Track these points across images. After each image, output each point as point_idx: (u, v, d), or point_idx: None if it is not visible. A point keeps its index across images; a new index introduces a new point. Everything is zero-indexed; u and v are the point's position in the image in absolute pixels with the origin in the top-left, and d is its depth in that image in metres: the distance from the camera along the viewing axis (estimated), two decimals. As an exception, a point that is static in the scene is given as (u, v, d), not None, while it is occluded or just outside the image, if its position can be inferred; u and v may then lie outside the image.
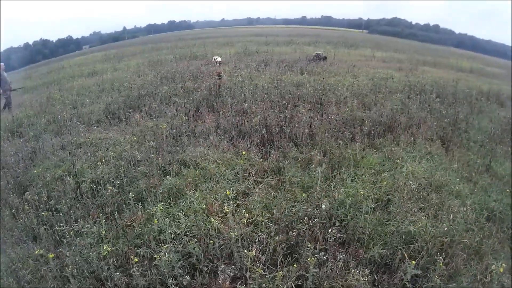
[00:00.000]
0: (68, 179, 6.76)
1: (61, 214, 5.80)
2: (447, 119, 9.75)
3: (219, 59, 17.72)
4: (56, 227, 5.47)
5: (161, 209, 5.36)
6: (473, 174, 7.36)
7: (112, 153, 7.64)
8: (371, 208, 5.59)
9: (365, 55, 24.03)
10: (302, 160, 7.25)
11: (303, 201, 5.96)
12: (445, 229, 5.18)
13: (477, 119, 10.86)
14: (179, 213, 5.58)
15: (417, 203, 5.98)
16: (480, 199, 6.51)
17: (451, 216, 5.48)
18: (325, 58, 19.22)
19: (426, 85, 13.67)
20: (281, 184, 6.46)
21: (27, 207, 6.08)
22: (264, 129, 8.20)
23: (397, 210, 5.70)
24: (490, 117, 11.29)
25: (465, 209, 5.65)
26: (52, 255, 4.75)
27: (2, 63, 14.64)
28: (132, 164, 7.31)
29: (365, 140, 8.25)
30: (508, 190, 6.87)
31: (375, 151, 7.84)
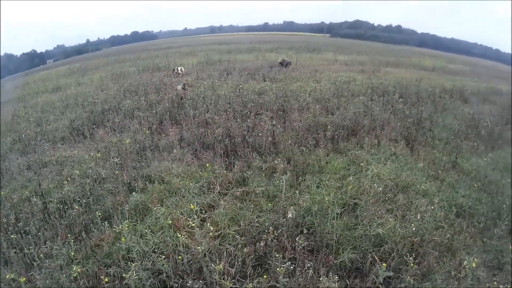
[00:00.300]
0: (35, 199, 6.61)
1: (30, 237, 5.66)
2: (411, 119, 9.89)
3: (181, 69, 17.66)
4: (26, 250, 5.32)
5: (127, 227, 5.27)
6: (440, 171, 7.52)
7: (77, 171, 7.48)
8: (337, 213, 5.66)
9: (328, 59, 24.27)
10: (266, 169, 7.26)
11: (269, 210, 5.96)
12: (414, 229, 5.29)
13: (441, 117, 11.08)
14: (146, 230, 5.49)
15: (384, 205, 6.05)
16: (448, 196, 6.67)
17: (419, 216, 5.59)
18: (289, 63, 19.37)
19: (389, 86, 13.84)
20: (246, 195, 6.46)
21: (-4, 230, 5.79)
22: (227, 139, 8.18)
23: (364, 214, 5.77)
24: (454, 114, 11.51)
25: (433, 207, 5.84)
26: (24, 279, 4.68)
27: None
28: (97, 181, 7.15)
29: (328, 145, 8.31)
30: (475, 185, 7.05)
31: (340, 156, 7.91)
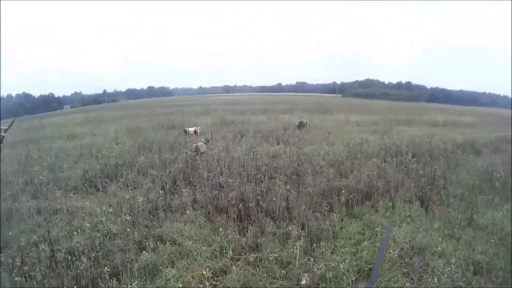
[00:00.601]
0: (43, 246, 6.79)
1: (35, 282, 5.81)
2: (425, 179, 9.98)
3: (193, 129, 18.34)
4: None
5: (137, 286, 5.45)
6: (455, 230, 7.49)
7: (88, 224, 7.69)
8: (352, 280, 5.70)
9: (340, 120, 24.95)
10: (280, 235, 7.33)
11: (282, 277, 6.01)
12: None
13: (454, 173, 11.20)
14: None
15: (400, 269, 6.07)
16: (465, 254, 6.63)
17: (435, 279, 5.61)
18: (305, 125, 20.18)
19: (402, 146, 14.17)
20: (259, 261, 6.48)
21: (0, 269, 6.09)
22: (241, 204, 8.30)
23: (380, 279, 5.77)
24: (468, 169, 11.71)
25: (449, 268, 5.81)
26: None
27: None
28: (108, 236, 7.33)
29: (343, 210, 8.41)
30: (492, 239, 7.04)
31: (354, 220, 7.98)
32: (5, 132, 14.61)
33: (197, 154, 12.87)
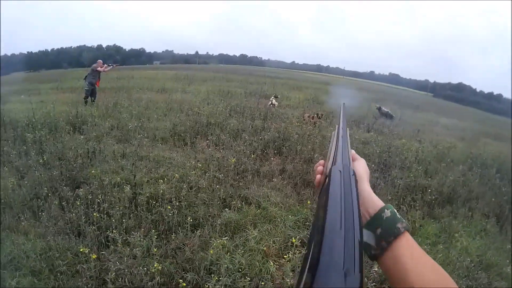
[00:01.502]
0: (127, 188, 7.11)
1: (113, 220, 6.12)
2: (506, 197, 9.65)
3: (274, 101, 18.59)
4: (107, 231, 5.79)
5: (223, 242, 5.56)
6: None
7: (177, 175, 7.99)
8: None
9: (430, 119, 24.61)
10: None
11: None
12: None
13: None
14: (235, 249, 5.75)
15: (466, 281, 5.94)
16: None
17: None
18: (391, 116, 20.17)
19: (488, 159, 13.64)
20: None
21: (78, 203, 6.48)
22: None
23: None
24: None
25: None
26: (95, 256, 5.10)
27: (100, 60, 17.01)
28: (193, 189, 7.60)
29: (425, 209, 8.30)
30: None
31: (433, 221, 7.86)
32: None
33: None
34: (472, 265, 6.34)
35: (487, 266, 6.51)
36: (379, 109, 20.70)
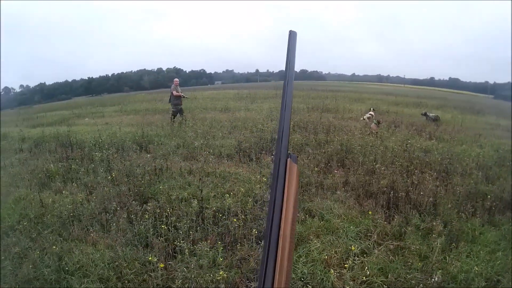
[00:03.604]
0: (194, 202, 7.48)
1: (180, 232, 6.48)
2: None
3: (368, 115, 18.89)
4: (175, 242, 6.18)
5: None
6: None
7: (242, 189, 8.32)
8: (481, 286, 5.59)
9: (491, 123, 23.55)
10: (423, 228, 7.30)
11: (418, 269, 6.00)
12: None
13: None
14: (298, 259, 5.91)
15: None
16: None
17: None
18: (436, 119, 20.09)
19: None
20: (399, 249, 6.56)
21: (146, 217, 6.93)
22: (391, 192, 8.38)
23: None
24: None
25: None
26: (162, 265, 5.50)
27: (176, 79, 18.31)
28: (258, 203, 7.83)
29: (485, 216, 8.07)
30: None
31: (493, 229, 7.65)
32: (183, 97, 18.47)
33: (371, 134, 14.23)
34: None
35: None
36: (425, 115, 20.62)
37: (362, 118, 18.51)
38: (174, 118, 17.62)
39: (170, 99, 18.12)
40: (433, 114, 20.56)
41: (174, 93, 17.64)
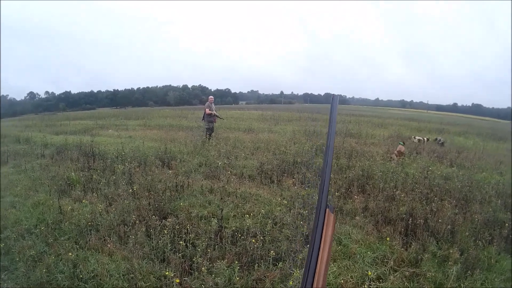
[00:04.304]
0: (214, 221, 7.55)
1: (198, 249, 6.53)
2: None
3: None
4: (193, 259, 6.24)
5: (298, 272, 5.77)
6: None
7: (262, 210, 8.38)
8: None
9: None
10: (439, 256, 7.27)
11: None
12: None
13: None
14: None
15: None
16: None
17: None
18: (442, 144, 20.97)
19: None
20: (415, 276, 6.53)
21: (165, 232, 6.99)
22: (410, 219, 8.34)
23: None
24: None
25: None
26: (178, 280, 5.57)
27: (211, 97, 18.54)
28: (277, 225, 7.88)
29: (502, 244, 7.97)
30: None
31: (509, 257, 7.54)
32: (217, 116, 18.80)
33: (399, 156, 14.77)
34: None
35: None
36: (438, 140, 21.33)
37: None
38: (209, 136, 17.79)
39: (203, 117, 18.34)
40: (443, 139, 21.45)
41: (207, 111, 17.84)
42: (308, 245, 1.15)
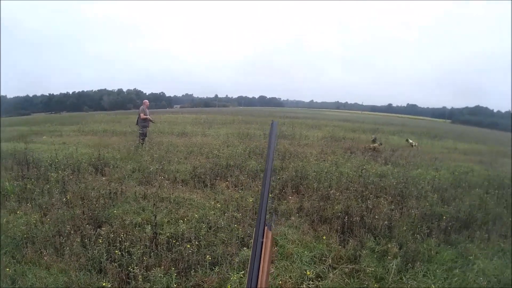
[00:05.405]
0: (148, 228, 7.51)
1: (134, 258, 6.43)
2: None
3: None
4: (129, 268, 6.10)
5: (240, 276, 5.81)
6: None
7: (196, 215, 8.37)
8: None
9: (448, 147, 25.49)
10: (378, 251, 7.49)
11: None
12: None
13: None
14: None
15: None
16: None
17: None
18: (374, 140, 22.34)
19: (505, 179, 13.82)
20: (355, 272, 6.67)
21: (100, 241, 6.85)
22: (346, 217, 8.56)
23: None
24: None
25: None
26: None
27: (146, 101, 18.26)
28: (212, 229, 7.87)
29: (441, 236, 8.40)
30: None
31: (449, 247, 7.95)
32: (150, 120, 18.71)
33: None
34: (490, 285, 6.52)
35: (505, 285, 6.63)
36: (374, 139, 22.61)
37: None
38: (142, 140, 17.57)
39: (137, 121, 18.10)
40: (374, 136, 22.99)
41: (142, 115, 17.59)
42: (248, 264, 1.19)
